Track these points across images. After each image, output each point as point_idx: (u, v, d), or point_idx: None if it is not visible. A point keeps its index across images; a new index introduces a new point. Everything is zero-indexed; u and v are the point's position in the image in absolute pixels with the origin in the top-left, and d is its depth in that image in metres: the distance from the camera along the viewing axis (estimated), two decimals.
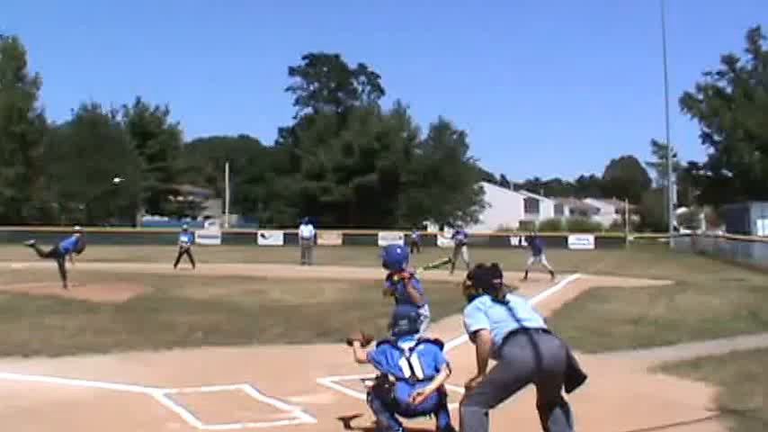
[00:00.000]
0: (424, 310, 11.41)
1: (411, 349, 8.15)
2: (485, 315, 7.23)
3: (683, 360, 13.07)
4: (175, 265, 36.39)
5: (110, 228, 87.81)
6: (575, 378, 7.18)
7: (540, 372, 6.91)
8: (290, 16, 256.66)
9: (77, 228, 30.35)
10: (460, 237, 38.47)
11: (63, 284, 25.64)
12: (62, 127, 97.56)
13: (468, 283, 7.83)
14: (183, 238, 37.75)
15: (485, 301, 7.39)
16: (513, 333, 7.04)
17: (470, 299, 7.61)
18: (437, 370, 8.00)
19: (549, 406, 7.21)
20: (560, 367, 7.03)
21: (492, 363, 7.14)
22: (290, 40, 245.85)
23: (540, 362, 6.88)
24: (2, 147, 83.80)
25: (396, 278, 11.61)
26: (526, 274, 31.84)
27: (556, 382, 7.11)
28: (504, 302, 7.38)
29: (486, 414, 7.02)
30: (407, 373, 7.96)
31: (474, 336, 7.19)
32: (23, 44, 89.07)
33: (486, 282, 7.64)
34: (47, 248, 26.77)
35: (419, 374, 7.96)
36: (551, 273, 32.05)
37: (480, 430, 7.00)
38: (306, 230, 44.32)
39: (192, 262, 36.66)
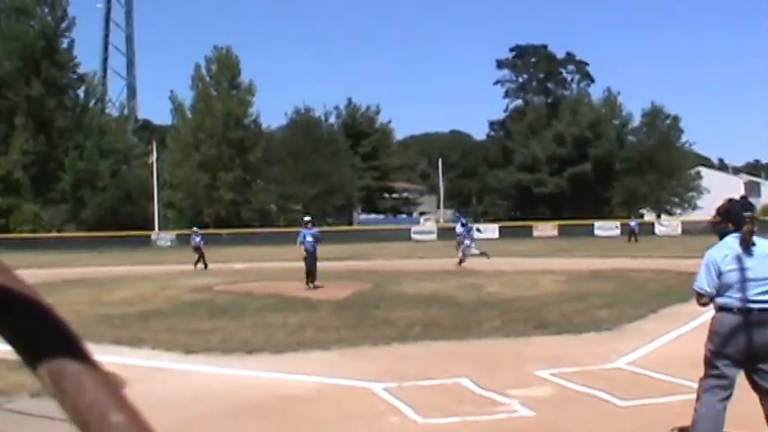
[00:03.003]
0: None
1: None
2: (716, 275, 7.05)
3: None
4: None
5: (327, 227, 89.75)
6: None
7: (748, 359, 6.85)
8: (495, 9, 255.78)
9: (308, 219, 29.38)
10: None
11: (313, 285, 25.78)
12: (277, 131, 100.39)
13: (718, 218, 7.55)
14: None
15: (727, 253, 7.08)
16: (731, 309, 6.96)
17: (721, 235, 7.36)
18: None
19: None
20: None
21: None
22: (497, 33, 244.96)
23: (749, 351, 6.82)
24: (221, 153, 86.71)
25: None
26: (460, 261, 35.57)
27: (765, 370, 6.91)
28: (749, 251, 7.05)
29: (725, 402, 6.92)
30: None
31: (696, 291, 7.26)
32: (237, 53, 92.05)
33: (736, 215, 7.31)
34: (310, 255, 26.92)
35: None
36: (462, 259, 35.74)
37: (713, 424, 6.88)
38: (458, 228, 44.39)
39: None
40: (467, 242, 37.36)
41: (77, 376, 0.60)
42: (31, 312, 0.57)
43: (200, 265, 38.26)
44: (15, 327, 0.62)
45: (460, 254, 36.20)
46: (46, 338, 0.62)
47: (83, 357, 0.62)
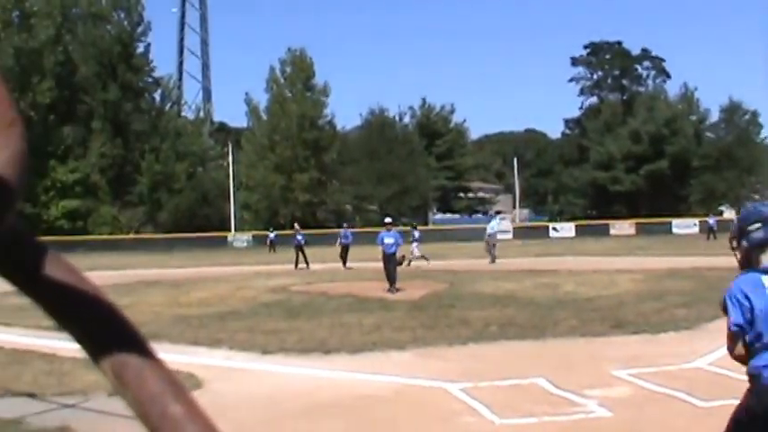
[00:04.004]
0: None
1: None
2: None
3: None
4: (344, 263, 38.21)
5: (402, 227, 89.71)
6: None
7: None
8: (569, 6, 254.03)
9: (388, 220, 28.71)
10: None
11: (391, 289, 24.87)
12: (352, 132, 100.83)
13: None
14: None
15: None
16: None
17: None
18: None
19: None
20: None
21: None
22: (571, 30, 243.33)
23: None
24: (296, 154, 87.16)
25: None
26: (409, 262, 36.57)
27: None
28: None
29: None
30: None
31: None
32: (311, 56, 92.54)
33: None
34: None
35: None
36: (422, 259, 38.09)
37: None
38: (489, 227, 43.79)
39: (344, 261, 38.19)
40: (413, 245, 39.04)
41: (139, 371, 0.64)
42: (96, 310, 0.66)
43: (302, 264, 38.58)
44: (81, 323, 0.66)
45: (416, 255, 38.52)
46: (110, 335, 0.66)
47: (145, 353, 0.66)
